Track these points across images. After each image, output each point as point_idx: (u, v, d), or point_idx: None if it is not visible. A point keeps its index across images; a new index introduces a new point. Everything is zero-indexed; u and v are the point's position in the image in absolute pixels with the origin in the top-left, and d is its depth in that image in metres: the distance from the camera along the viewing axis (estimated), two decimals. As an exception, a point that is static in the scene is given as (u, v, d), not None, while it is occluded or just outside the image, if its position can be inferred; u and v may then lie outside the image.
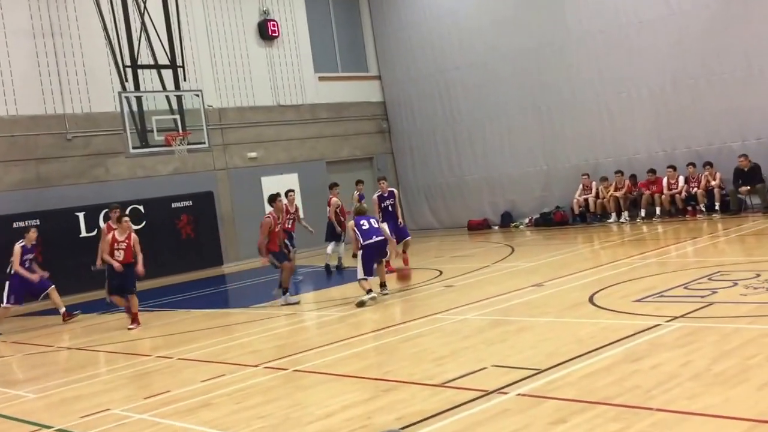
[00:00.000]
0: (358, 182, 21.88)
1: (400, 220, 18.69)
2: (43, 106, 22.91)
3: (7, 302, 17.21)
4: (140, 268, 15.89)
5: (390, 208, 18.66)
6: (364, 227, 15.14)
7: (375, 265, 15.16)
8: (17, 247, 17.22)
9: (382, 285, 15.55)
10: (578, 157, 25.62)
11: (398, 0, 30.23)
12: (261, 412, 8.18)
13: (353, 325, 13.13)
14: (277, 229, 16.33)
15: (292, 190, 20.90)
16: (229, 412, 8.36)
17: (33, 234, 17.64)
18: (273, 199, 16.93)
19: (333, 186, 21.58)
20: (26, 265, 17.33)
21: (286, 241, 18.21)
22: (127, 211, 22.58)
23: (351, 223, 15.66)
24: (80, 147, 23.51)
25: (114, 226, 16.39)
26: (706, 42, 22.27)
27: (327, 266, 20.98)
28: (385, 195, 18.73)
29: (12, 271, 17.13)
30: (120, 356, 12.86)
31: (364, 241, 15.00)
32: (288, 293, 16.17)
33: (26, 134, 22.62)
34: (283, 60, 28.46)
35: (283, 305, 15.93)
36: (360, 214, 15.61)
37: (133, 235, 15.88)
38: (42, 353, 14.27)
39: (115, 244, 15.65)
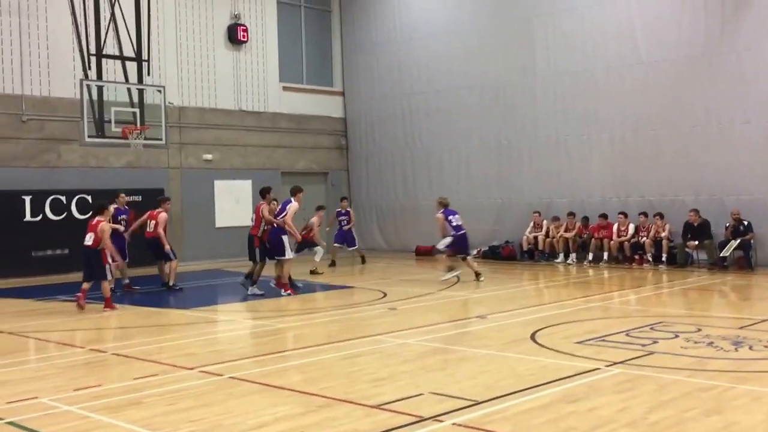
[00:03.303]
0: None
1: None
2: (1, 85, 22.58)
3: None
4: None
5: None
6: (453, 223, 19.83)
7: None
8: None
9: (477, 274, 19.63)
10: (533, 194, 25.73)
11: (370, 18, 30.30)
12: (192, 416, 8.04)
13: (293, 338, 13.03)
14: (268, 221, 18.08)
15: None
16: (160, 413, 8.21)
17: (123, 198, 19.26)
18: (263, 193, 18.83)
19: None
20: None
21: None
22: (75, 200, 22.67)
23: (440, 216, 20.01)
24: (34, 130, 23.19)
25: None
26: (670, 94, 22.53)
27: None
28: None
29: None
30: (52, 345, 12.65)
31: (456, 231, 19.72)
32: (254, 285, 18.11)
33: (-20, 111, 22.33)
34: (249, 65, 28.32)
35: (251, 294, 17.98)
36: (447, 206, 20.23)
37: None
38: (-28, 334, 13.99)
39: None
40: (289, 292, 17.79)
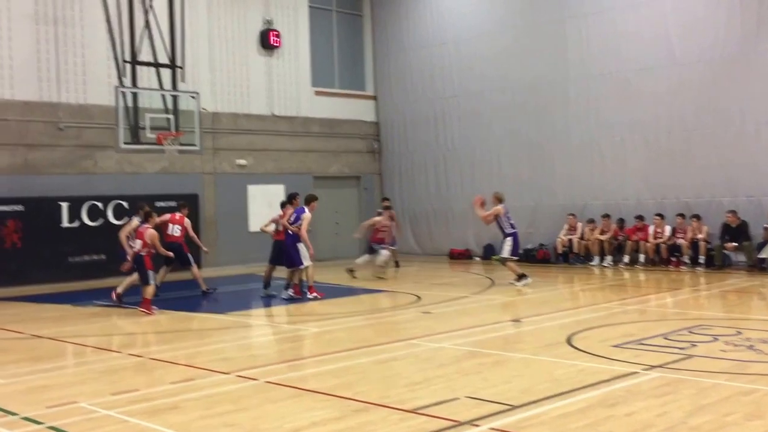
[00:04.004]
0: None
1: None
2: (39, 93, 22.75)
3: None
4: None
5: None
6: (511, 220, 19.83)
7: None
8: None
9: (521, 276, 19.31)
10: (566, 196, 25.57)
11: (401, 22, 30.31)
12: (229, 420, 8.07)
13: (328, 341, 13.02)
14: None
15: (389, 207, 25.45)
16: (197, 417, 8.25)
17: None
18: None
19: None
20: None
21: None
22: (111, 206, 22.87)
23: (501, 208, 19.63)
24: (71, 137, 23.36)
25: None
26: (705, 95, 22.33)
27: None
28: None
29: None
30: (90, 350, 12.74)
31: (513, 229, 19.68)
32: (287, 289, 18.20)
33: (18, 119, 22.44)
34: (281, 70, 28.40)
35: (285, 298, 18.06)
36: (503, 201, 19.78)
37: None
38: (12, 339, 14.07)
39: None
40: (315, 294, 17.79)
